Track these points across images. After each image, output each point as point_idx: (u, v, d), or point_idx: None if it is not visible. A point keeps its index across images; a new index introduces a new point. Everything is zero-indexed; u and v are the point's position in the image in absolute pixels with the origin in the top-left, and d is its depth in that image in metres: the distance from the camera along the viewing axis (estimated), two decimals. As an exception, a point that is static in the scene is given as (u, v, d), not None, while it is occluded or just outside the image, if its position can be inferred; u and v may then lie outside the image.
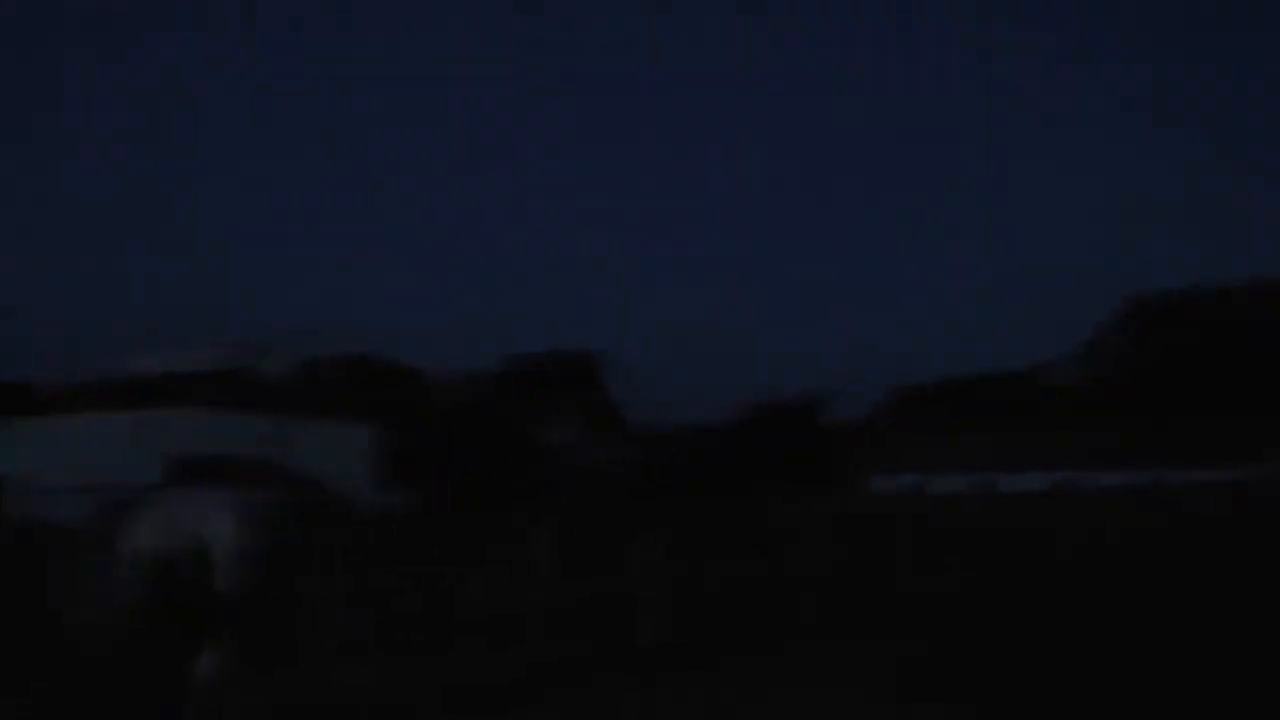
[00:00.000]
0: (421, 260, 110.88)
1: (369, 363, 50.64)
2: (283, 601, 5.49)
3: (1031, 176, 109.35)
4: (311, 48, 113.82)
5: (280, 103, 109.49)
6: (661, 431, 57.85)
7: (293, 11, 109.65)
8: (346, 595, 10.36)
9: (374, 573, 12.72)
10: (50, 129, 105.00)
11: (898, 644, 7.49)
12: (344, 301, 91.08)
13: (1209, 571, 11.64)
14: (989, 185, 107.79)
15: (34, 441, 24.86)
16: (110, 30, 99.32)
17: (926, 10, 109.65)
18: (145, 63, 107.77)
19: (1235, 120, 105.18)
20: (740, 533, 18.33)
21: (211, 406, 26.42)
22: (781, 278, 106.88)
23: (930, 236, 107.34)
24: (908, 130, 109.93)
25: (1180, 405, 47.24)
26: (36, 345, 56.93)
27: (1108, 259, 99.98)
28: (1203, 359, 47.57)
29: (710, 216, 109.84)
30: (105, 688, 5.70)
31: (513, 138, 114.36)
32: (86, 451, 24.20)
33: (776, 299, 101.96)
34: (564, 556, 14.41)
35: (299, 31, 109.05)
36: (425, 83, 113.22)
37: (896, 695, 5.98)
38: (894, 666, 6.64)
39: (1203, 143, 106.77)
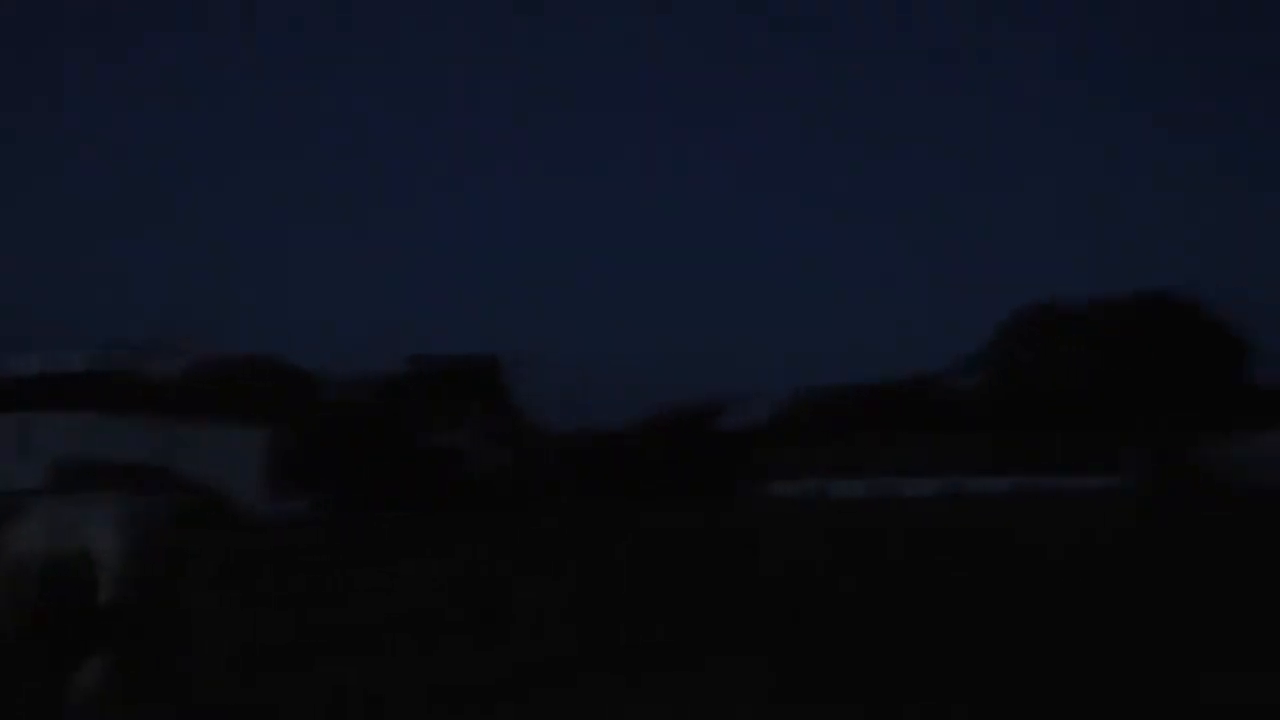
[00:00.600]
0: (323, 260, 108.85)
1: (263, 364, 49.53)
2: (169, 612, 5.35)
3: (933, 186, 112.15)
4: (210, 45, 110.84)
5: (166, 96, 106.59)
6: (564, 436, 57.89)
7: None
8: (235, 604, 10.15)
9: (262, 580, 12.48)
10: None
11: (775, 653, 7.59)
12: (238, 302, 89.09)
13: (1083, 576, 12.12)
14: (892, 194, 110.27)
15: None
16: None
17: (811, 13, 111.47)
18: None
19: (1132, 131, 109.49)
20: (625, 540, 18.46)
21: (97, 409, 25.59)
22: (685, 283, 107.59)
23: (833, 244, 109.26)
24: (812, 137, 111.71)
25: (1065, 414, 49.15)
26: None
27: (1004, 269, 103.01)
28: (1088, 369, 49.59)
29: (616, 222, 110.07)
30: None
31: (417, 139, 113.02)
32: (-38, 455, 23.23)
33: (681, 304, 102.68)
34: (450, 564, 14.37)
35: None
36: (311, 82, 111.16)
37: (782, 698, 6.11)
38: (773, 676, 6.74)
39: (1096, 157, 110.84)
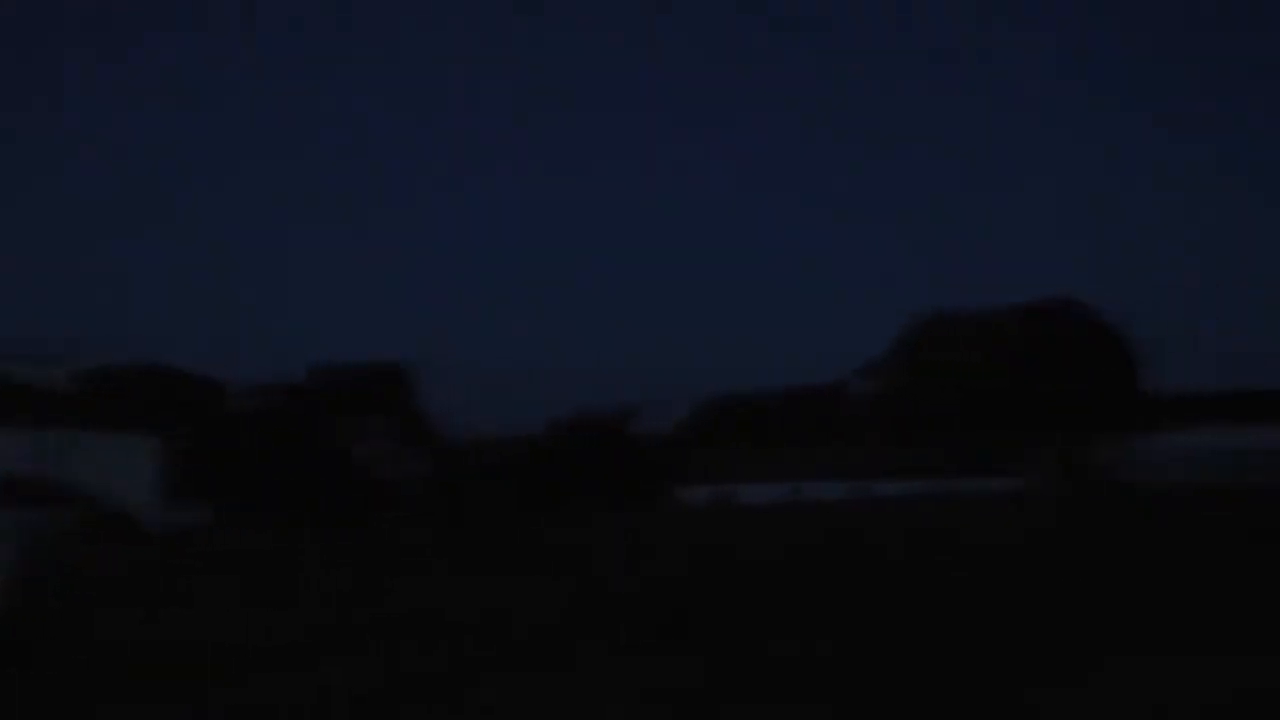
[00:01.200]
0: (222, 266, 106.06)
1: (159, 372, 47.87)
2: (59, 626, 5.04)
3: (837, 194, 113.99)
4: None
5: (50, 99, 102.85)
6: (471, 444, 57.11)
7: None
8: (130, 618, 9.72)
9: (151, 594, 12.00)
10: None
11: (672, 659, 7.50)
12: (133, 308, 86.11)
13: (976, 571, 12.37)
14: (798, 199, 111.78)
15: None
16: None
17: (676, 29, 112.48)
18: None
19: (1035, 143, 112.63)
20: (526, 548, 18.24)
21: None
22: (593, 290, 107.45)
23: (737, 251, 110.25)
24: (719, 144, 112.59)
25: (965, 418, 50.28)
26: None
27: (904, 276, 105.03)
28: (986, 374, 50.81)
29: (523, 228, 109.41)
30: None
31: (322, 142, 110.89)
32: None
33: (589, 311, 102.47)
34: (345, 575, 14.02)
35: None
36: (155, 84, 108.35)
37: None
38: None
39: (1005, 168, 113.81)
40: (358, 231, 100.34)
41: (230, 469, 40.24)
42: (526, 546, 18.84)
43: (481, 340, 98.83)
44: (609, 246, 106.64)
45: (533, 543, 20.13)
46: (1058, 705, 6.20)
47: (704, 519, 30.51)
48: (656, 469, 52.97)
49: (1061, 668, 6.96)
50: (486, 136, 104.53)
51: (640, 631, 8.76)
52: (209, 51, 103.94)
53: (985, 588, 11.06)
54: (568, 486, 47.22)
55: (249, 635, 8.86)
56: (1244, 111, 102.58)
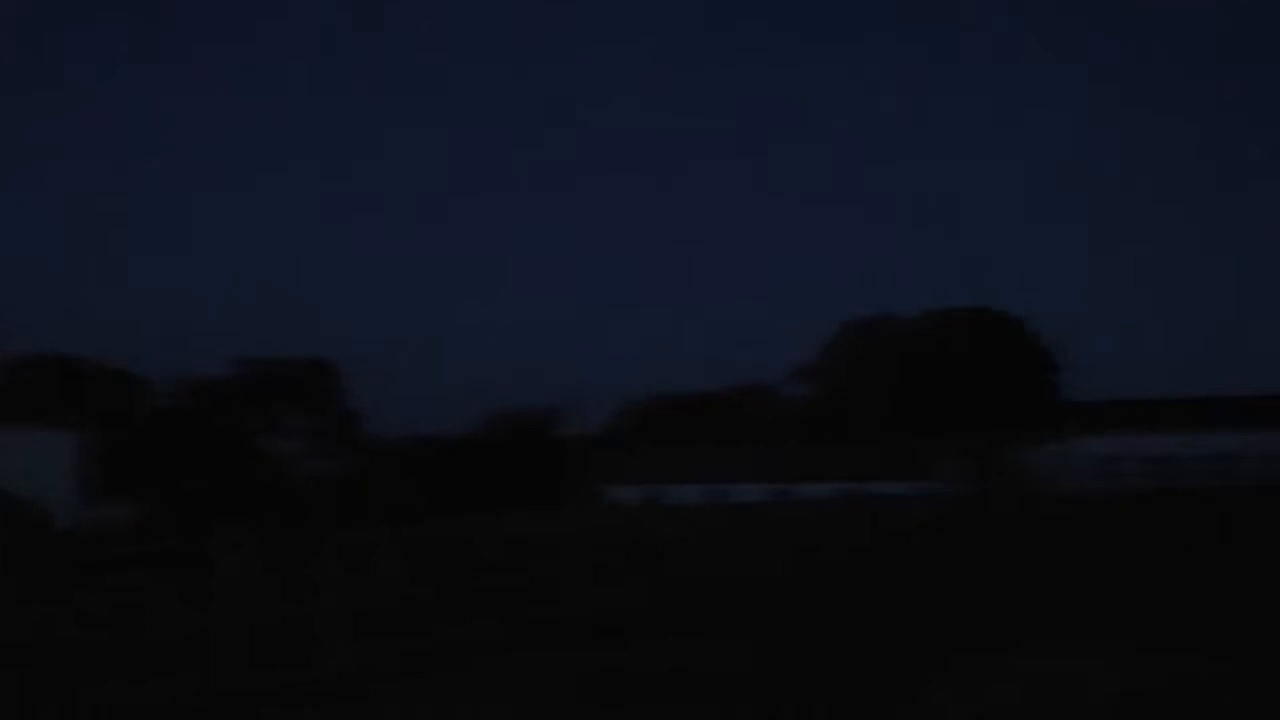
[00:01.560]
0: (143, 257, 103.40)
1: (73, 365, 46.69)
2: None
3: (767, 199, 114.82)
4: None
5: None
6: (398, 442, 56.48)
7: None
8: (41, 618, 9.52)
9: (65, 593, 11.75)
10: None
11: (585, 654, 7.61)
12: (50, 300, 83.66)
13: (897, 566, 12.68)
14: (730, 204, 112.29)
15: None
16: None
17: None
18: None
19: (948, 157, 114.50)
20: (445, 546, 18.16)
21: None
22: (523, 291, 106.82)
23: (669, 254, 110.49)
24: (649, 145, 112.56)
25: (884, 422, 51.10)
26: None
27: (833, 284, 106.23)
28: (905, 381, 51.74)
29: (456, 226, 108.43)
30: None
31: (242, 133, 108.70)
32: None
33: (517, 312, 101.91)
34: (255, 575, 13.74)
35: None
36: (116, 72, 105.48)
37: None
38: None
39: (926, 177, 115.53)
40: (286, 224, 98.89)
41: (149, 466, 39.48)
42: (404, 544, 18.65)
43: (413, 339, 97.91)
44: (542, 247, 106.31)
45: (411, 541, 19.91)
46: (987, 667, 6.54)
47: (624, 517, 30.55)
48: (582, 468, 52.97)
49: (988, 642, 7.26)
50: (407, 129, 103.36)
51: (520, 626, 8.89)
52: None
53: (898, 584, 11.35)
54: (490, 485, 47.05)
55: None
56: (1174, 122, 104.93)
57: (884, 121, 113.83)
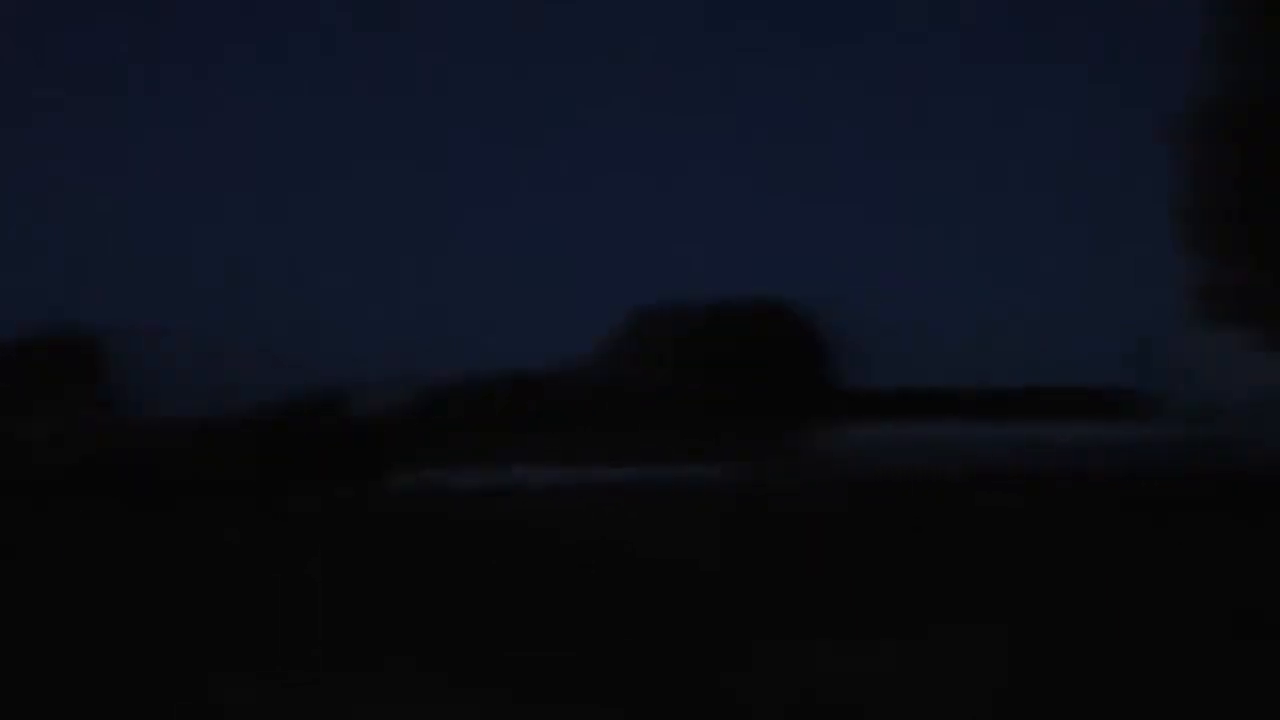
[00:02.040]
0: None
1: None
2: None
3: (558, 180, 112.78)
4: None
5: None
6: (168, 423, 52.47)
7: None
8: None
9: None
10: None
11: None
12: None
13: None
14: (520, 183, 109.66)
15: None
16: None
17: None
18: None
19: (758, 143, 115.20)
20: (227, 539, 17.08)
21: None
22: (314, 265, 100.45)
23: (466, 230, 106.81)
24: (447, 122, 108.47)
25: (678, 410, 51.57)
26: None
27: (630, 266, 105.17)
28: (699, 368, 52.35)
29: (238, 201, 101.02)
30: None
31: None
32: None
33: (308, 288, 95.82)
34: None
35: None
36: None
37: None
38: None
39: (734, 166, 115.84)
40: (53, 194, 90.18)
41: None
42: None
43: (194, 314, 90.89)
44: (331, 224, 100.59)
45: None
46: (790, 657, 6.47)
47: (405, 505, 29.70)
48: (377, 453, 50.97)
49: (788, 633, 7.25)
50: (136, 101, 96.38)
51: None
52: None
53: (688, 572, 11.31)
54: (271, 471, 44.51)
55: None
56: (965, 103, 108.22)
57: (662, 104, 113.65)
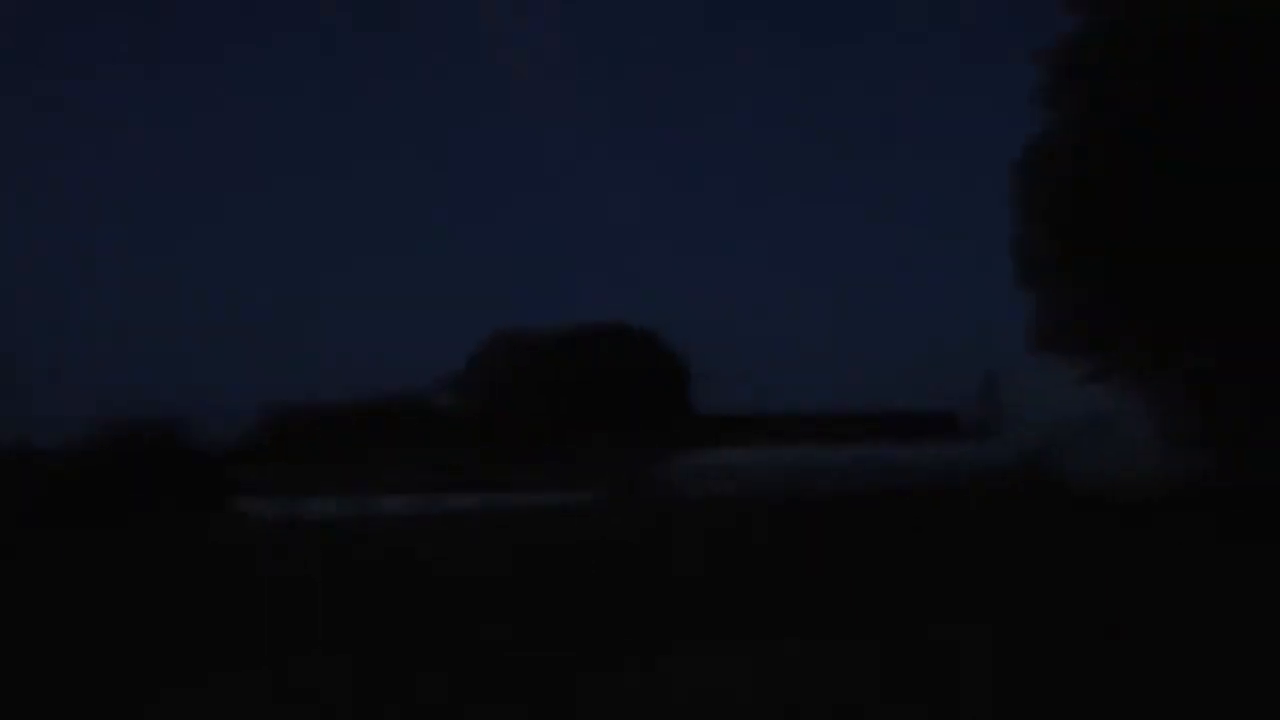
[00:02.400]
0: None
1: None
2: None
3: (415, 205, 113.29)
4: None
5: None
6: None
7: None
8: None
9: None
10: None
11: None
12: None
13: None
14: (373, 208, 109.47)
15: None
16: None
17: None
18: None
19: (615, 171, 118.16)
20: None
21: None
22: (145, 295, 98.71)
23: (314, 254, 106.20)
24: (289, 145, 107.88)
25: (536, 433, 51.93)
26: None
27: (486, 291, 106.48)
28: (547, 392, 52.85)
29: (69, 229, 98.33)
30: None
31: None
32: None
33: (142, 316, 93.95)
34: None
35: None
36: None
37: None
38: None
39: (580, 188, 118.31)
40: None
41: None
42: None
43: (32, 343, 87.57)
44: (155, 249, 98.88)
45: None
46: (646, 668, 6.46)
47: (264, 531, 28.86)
48: (214, 481, 49.55)
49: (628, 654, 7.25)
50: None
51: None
52: None
53: (557, 592, 11.27)
54: (107, 500, 42.97)
55: None
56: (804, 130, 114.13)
57: (530, 131, 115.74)
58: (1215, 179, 16.08)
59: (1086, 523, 20.06)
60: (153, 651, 8.06)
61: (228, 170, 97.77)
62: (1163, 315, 19.14)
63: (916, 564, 13.08)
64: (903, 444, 50.02)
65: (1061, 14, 17.93)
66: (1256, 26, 14.82)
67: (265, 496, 48.38)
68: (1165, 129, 16.01)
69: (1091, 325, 20.87)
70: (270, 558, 17.32)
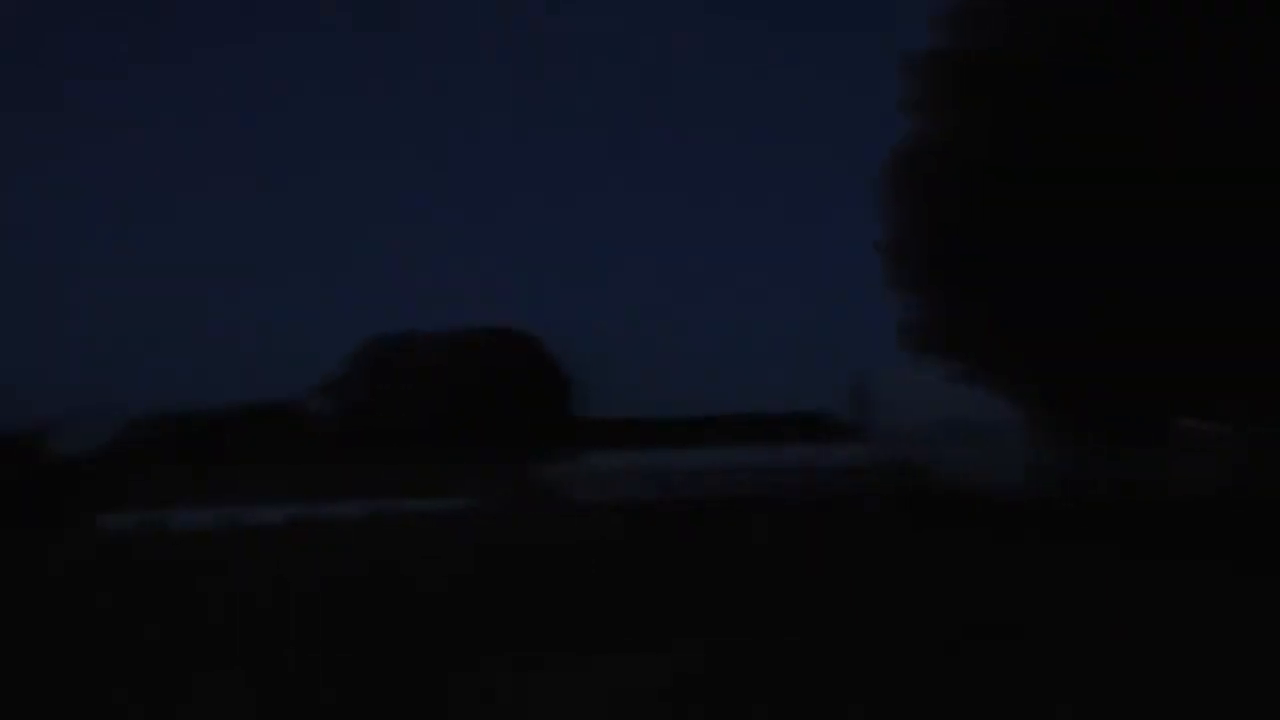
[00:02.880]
0: None
1: None
2: None
3: (287, 211, 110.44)
4: None
5: None
6: None
7: None
8: None
9: None
10: None
11: None
12: None
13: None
14: (250, 208, 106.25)
15: None
16: None
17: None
18: None
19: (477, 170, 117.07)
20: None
21: None
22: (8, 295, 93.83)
23: (188, 255, 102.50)
24: (169, 147, 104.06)
25: (410, 439, 51.07)
26: None
27: (367, 293, 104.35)
28: (430, 397, 52.03)
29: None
30: None
31: None
32: None
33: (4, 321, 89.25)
34: None
35: None
36: None
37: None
38: None
39: (464, 195, 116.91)
40: None
41: None
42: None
43: None
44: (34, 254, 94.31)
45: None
46: (504, 681, 6.33)
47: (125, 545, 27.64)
48: (73, 492, 47.46)
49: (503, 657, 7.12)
50: None
51: None
52: None
53: (415, 603, 11.05)
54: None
55: None
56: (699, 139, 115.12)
57: (392, 126, 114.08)
58: (1081, 184, 16.71)
59: (944, 526, 20.69)
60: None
61: (89, 169, 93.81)
62: (1029, 318, 19.79)
63: (769, 571, 13.25)
64: (778, 446, 50.97)
65: (933, 20, 18.44)
66: (1118, 37, 15.50)
67: (124, 509, 46.49)
68: (1031, 135, 16.60)
69: (959, 327, 21.48)
70: (109, 578, 16.60)
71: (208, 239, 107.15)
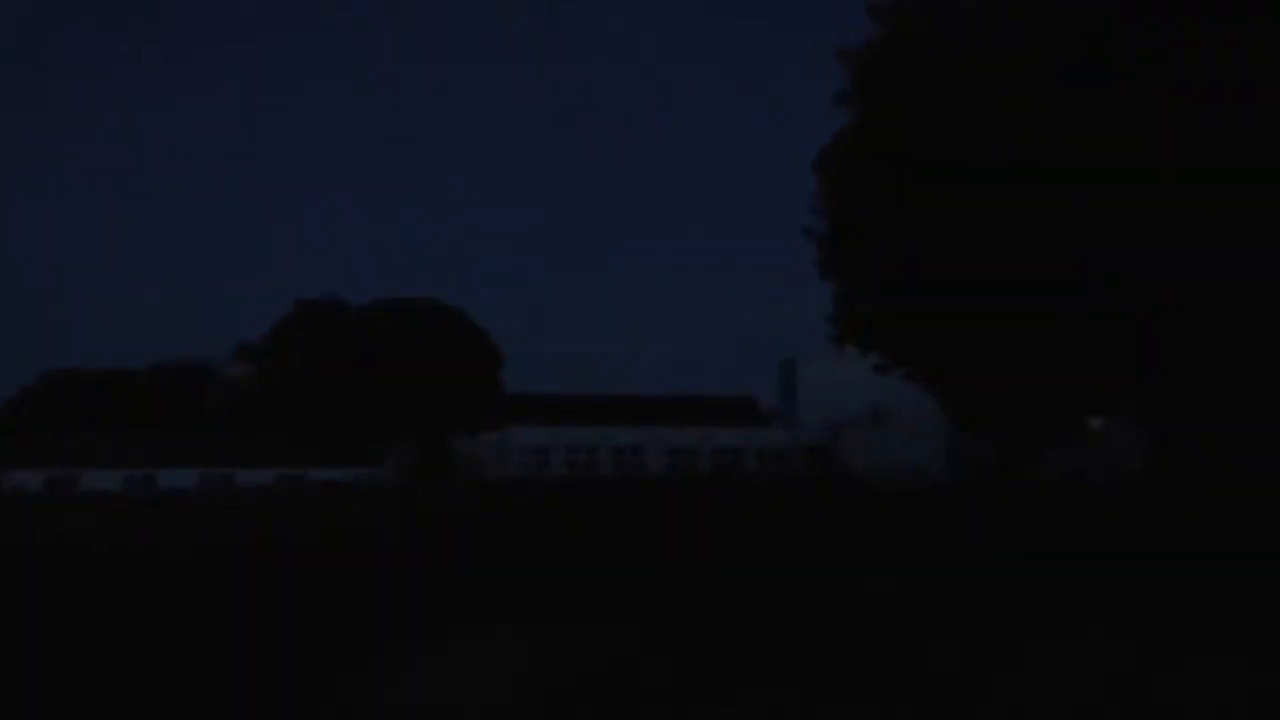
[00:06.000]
0: None
1: None
2: None
3: (223, 178, 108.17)
4: None
5: None
6: None
7: None
8: None
9: None
10: None
11: None
12: None
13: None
14: (178, 170, 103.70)
15: None
16: None
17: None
18: None
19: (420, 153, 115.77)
20: None
21: None
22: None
23: (108, 215, 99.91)
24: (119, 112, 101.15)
25: (331, 408, 50.28)
26: None
27: (289, 262, 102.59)
28: (350, 368, 51.29)
29: None
30: None
31: None
32: None
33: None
34: None
35: None
36: None
37: None
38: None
39: (371, 165, 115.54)
40: None
41: None
42: None
43: None
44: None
45: None
46: (419, 652, 6.35)
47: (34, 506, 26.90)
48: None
49: (419, 629, 7.14)
50: None
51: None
52: None
53: (324, 573, 10.97)
54: None
55: None
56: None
57: (356, 105, 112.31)
58: (1002, 183, 16.98)
59: (845, 507, 21.04)
60: None
61: (25, 134, 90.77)
62: (947, 312, 20.13)
63: (669, 548, 13.44)
64: (702, 426, 51.37)
65: (867, 20, 18.60)
66: (1041, 41, 15.77)
67: (32, 469, 45.09)
68: (956, 134, 16.82)
69: (880, 319, 21.83)
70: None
71: (143, 199, 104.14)
